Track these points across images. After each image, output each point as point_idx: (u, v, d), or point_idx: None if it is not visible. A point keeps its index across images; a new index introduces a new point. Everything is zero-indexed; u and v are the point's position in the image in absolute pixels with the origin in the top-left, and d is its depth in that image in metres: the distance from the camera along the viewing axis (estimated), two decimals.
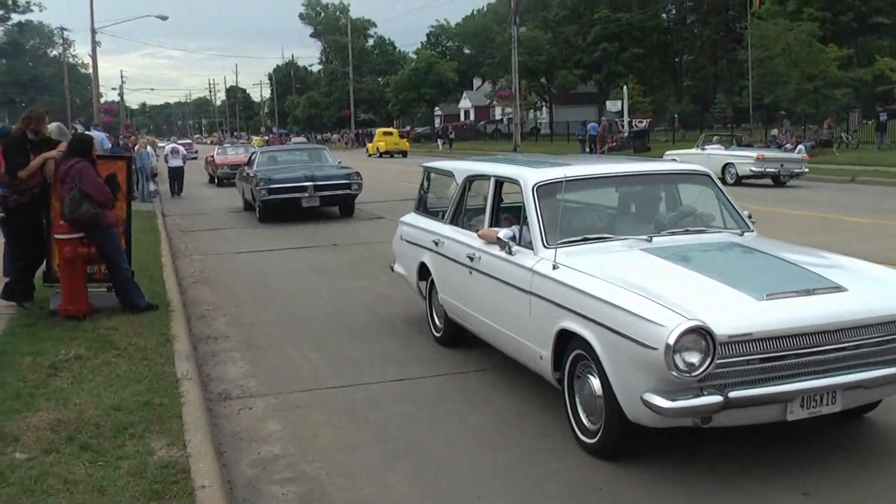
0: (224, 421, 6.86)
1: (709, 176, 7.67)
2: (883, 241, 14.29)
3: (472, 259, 7.59)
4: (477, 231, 7.73)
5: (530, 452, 6.04)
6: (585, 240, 6.72)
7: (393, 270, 10.30)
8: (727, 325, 5.16)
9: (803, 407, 5.33)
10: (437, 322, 9.06)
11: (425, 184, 9.92)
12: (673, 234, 6.95)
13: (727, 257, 6.58)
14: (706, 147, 30.79)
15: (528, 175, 7.21)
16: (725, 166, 28.17)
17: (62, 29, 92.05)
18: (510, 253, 6.89)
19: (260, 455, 6.12)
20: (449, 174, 9.15)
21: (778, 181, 27.53)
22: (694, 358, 5.06)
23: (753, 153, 28.58)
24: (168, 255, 15.13)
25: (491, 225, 7.64)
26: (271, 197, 20.86)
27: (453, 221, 8.53)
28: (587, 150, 53.39)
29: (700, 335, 5.05)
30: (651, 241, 6.69)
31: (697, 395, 5.11)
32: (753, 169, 27.29)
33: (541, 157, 9.73)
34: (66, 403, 6.60)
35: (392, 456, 6.06)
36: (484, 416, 6.81)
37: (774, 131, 44.02)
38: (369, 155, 63.04)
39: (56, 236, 9.72)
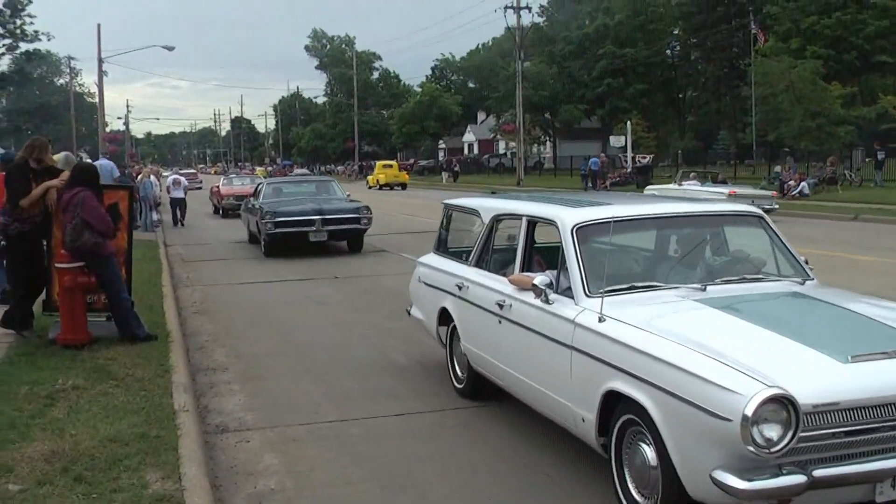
0: (220, 454, 6.80)
1: (762, 218, 6.97)
2: (888, 280, 14.24)
3: (501, 307, 6.93)
4: (507, 275, 7.13)
5: (529, 489, 5.98)
6: (632, 288, 6.12)
7: (409, 315, 9.57)
8: (811, 392, 4.54)
9: (895, 487, 4.73)
10: (459, 372, 8.37)
11: (446, 222, 9.21)
12: (728, 282, 6.29)
13: (795, 310, 5.94)
14: (683, 183, 32.41)
15: (566, 216, 6.58)
16: None
17: (69, 58, 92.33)
18: (547, 301, 6.24)
19: (256, 489, 6.06)
20: (474, 212, 8.47)
21: None
22: (774, 431, 4.45)
23: (726, 189, 29.49)
24: (169, 284, 15.10)
25: (523, 269, 7.01)
26: (277, 230, 20.13)
27: (479, 264, 7.88)
28: (588, 185, 53.59)
29: (781, 405, 4.43)
30: (705, 290, 6.04)
31: (777, 475, 4.50)
32: None
33: (574, 195, 9.34)
34: (62, 434, 6.54)
35: (390, 492, 5.99)
36: (483, 452, 6.74)
37: (778, 168, 44.02)
38: (369, 187, 63.22)
39: (56, 265, 9.70)
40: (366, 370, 9.42)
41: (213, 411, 7.97)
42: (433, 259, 9.09)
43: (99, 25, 53.38)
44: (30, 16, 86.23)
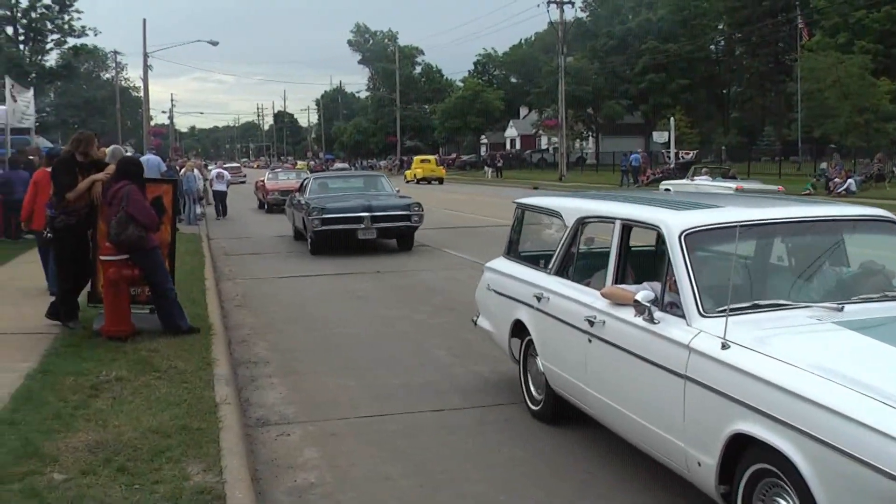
0: (261, 447, 6.83)
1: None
2: None
3: (592, 323, 6.07)
4: (593, 285, 6.41)
5: (570, 487, 5.93)
6: (755, 307, 5.20)
7: (476, 325, 8.72)
8: None
9: None
10: (535, 392, 7.49)
11: (518, 224, 8.35)
12: (867, 300, 5.33)
13: None
14: (695, 178, 34.94)
15: (672, 220, 5.69)
16: None
17: (115, 53, 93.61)
18: (651, 320, 5.38)
19: (296, 483, 6.08)
20: (554, 214, 7.56)
21: None
22: None
23: (734, 184, 31.77)
24: (212, 278, 15.20)
25: (616, 281, 6.17)
26: (324, 227, 19.25)
27: (561, 272, 7.03)
28: (630, 181, 53.41)
29: None
30: (843, 310, 5.08)
31: None
32: None
33: (670, 197, 8.16)
34: (105, 425, 6.62)
35: (429, 488, 5.98)
36: (523, 449, 6.71)
37: (824, 165, 43.52)
38: (407, 182, 63.33)
39: (101, 258, 9.80)
40: (406, 365, 9.42)
41: (254, 404, 8.02)
42: (504, 264, 8.21)
43: (144, 20, 54.33)
44: (77, 11, 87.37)
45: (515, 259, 8.17)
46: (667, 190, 31.62)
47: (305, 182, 23.76)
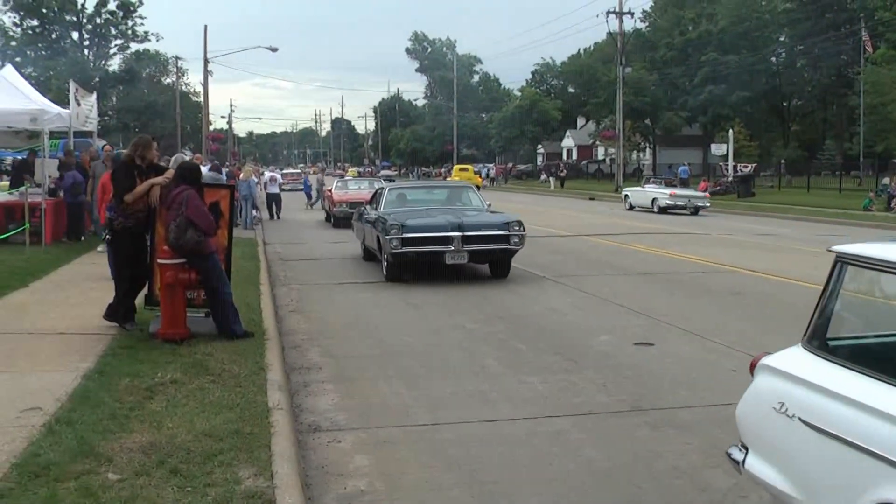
0: (312, 453, 6.85)
1: None
2: None
3: None
4: None
5: (619, 502, 5.87)
6: None
7: (741, 466, 5.02)
8: None
9: None
10: None
11: (837, 286, 4.75)
12: None
13: None
14: (645, 186, 43.87)
15: None
16: (653, 200, 40.63)
17: (177, 58, 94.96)
18: None
19: (346, 490, 6.08)
20: None
21: (695, 212, 39.06)
22: None
23: (667, 191, 41.03)
24: (266, 283, 15.32)
25: None
26: (406, 249, 16.01)
27: None
28: None
29: None
30: None
31: None
32: (668, 202, 39.72)
33: None
34: (160, 427, 6.69)
35: (480, 499, 5.95)
36: (575, 461, 6.66)
37: (886, 180, 42.81)
38: None
39: (158, 261, 9.92)
40: (458, 375, 9.39)
41: (305, 410, 8.04)
42: (818, 369, 4.59)
43: (206, 27, 54.90)
44: (140, 17, 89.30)
45: (847, 361, 4.53)
46: (626, 196, 44.06)
47: (380, 192, 19.93)
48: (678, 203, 39.42)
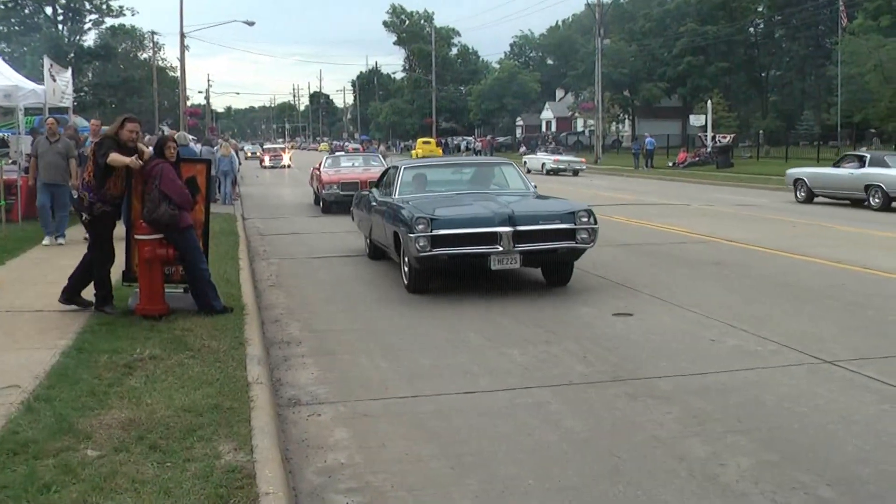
0: (292, 427, 6.85)
1: None
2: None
3: None
4: None
5: (599, 471, 5.90)
6: None
7: None
8: None
9: None
10: None
11: None
12: None
13: None
14: (537, 153, 58.04)
15: None
16: (543, 164, 51.52)
17: (153, 33, 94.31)
18: None
19: (326, 463, 6.09)
20: None
21: (575, 174, 49.81)
22: None
23: (552, 157, 52.78)
24: (246, 258, 15.26)
25: None
26: (436, 251, 11.72)
27: None
28: (647, 164, 53.37)
29: None
30: None
31: None
32: (552, 166, 50.67)
33: None
34: (139, 403, 6.67)
35: (459, 470, 5.97)
36: (554, 433, 6.68)
37: (864, 149, 43.00)
38: None
39: (136, 236, 9.86)
40: (439, 348, 9.40)
41: (285, 384, 8.04)
42: None
43: (181, 0, 54.23)
44: None
45: None
46: (524, 162, 52.66)
47: (392, 173, 15.27)
48: (560, 167, 50.84)
